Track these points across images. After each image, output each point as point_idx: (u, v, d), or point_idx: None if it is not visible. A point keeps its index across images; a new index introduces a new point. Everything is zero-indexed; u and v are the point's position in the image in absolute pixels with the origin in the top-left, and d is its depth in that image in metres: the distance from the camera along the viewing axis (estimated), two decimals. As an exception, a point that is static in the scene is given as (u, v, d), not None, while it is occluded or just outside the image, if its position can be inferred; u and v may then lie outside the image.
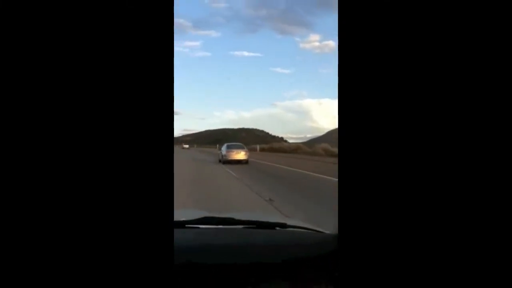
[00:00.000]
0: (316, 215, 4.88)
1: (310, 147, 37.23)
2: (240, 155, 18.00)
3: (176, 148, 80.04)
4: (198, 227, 1.20)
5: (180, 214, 1.65)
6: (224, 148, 19.23)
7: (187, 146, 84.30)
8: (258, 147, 43.95)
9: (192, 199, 6.81)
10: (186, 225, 1.21)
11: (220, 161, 19.28)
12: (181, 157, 26.66)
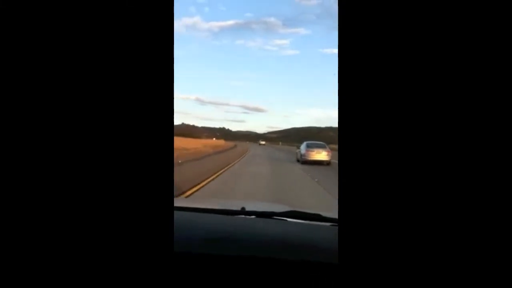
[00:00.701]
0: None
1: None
2: (321, 155, 15.47)
3: (254, 144, 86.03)
4: (286, 220, 1.22)
5: (266, 206, 1.83)
6: (303, 146, 16.88)
7: (263, 142, 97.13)
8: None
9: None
10: (273, 217, 1.26)
11: (298, 160, 17.01)
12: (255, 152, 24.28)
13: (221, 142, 67.67)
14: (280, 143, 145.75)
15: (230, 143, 64.90)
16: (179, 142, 31.33)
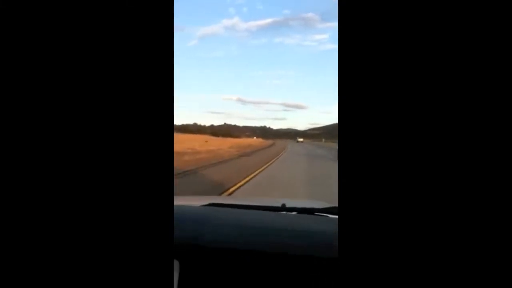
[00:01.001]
0: None
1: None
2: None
3: (293, 141, 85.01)
4: (327, 216, 1.26)
5: (306, 203, 1.90)
6: (344, 141, 14.24)
7: (301, 140, 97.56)
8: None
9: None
10: (315, 213, 1.31)
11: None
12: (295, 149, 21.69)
13: (258, 141, 65.91)
14: (323, 139, 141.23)
15: (269, 141, 62.74)
16: (196, 141, 26.46)
